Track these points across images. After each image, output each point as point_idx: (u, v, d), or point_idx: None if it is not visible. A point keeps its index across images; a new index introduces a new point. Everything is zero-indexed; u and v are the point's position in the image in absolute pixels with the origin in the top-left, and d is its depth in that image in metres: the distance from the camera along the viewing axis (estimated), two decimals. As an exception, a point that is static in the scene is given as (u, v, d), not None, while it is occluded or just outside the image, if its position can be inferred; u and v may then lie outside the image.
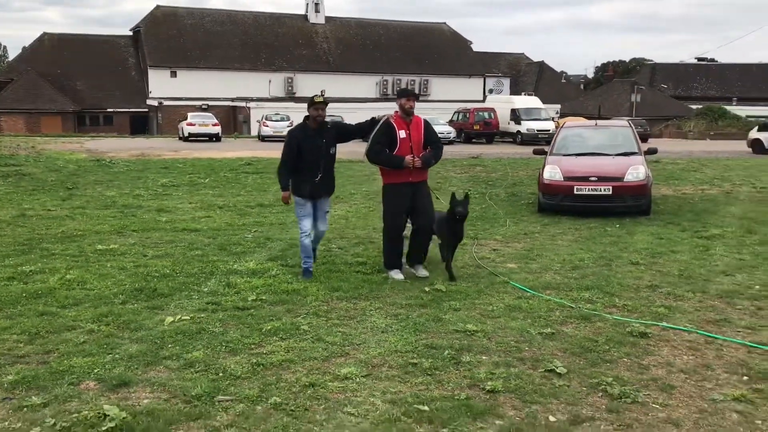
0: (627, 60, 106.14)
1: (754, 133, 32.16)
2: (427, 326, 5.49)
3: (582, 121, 42.97)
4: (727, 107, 54.35)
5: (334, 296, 6.34)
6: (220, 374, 4.45)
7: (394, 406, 4.02)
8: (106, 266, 7.39)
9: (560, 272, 7.42)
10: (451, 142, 35.52)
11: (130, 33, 56.91)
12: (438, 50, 61.35)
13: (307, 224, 6.92)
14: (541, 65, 69.38)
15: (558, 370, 4.54)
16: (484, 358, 4.81)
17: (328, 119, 7.23)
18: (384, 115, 7.12)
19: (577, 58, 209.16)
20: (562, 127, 13.54)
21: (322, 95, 7.12)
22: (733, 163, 22.75)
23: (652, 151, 12.48)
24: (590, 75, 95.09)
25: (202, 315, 5.71)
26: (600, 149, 11.87)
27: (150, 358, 4.72)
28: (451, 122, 40.23)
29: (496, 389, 4.24)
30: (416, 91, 50.30)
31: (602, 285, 6.78)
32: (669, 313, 5.90)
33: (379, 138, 6.91)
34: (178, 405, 3.99)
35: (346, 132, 7.45)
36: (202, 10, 58.68)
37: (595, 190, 10.89)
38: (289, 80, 55.19)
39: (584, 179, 10.99)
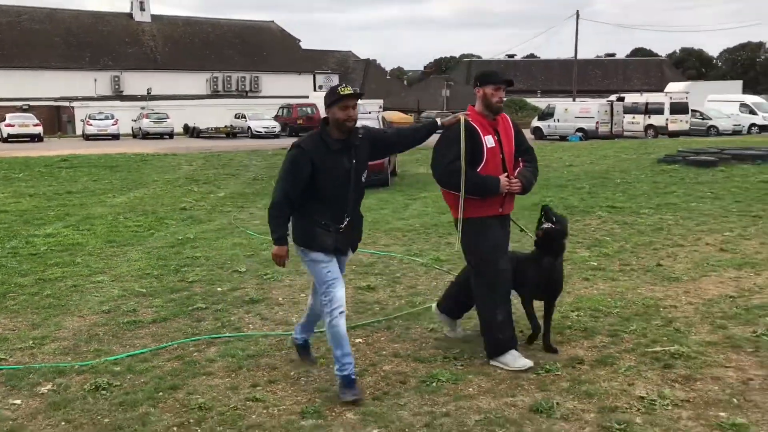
0: (457, 56, 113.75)
1: (535, 122, 37.58)
2: (166, 254, 8.09)
3: (397, 114, 46.84)
4: (530, 99, 61.00)
5: (108, 245, 8.76)
6: (12, 285, 6.79)
7: (125, 291, 6.57)
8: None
9: (287, 224, 10.29)
10: (276, 136, 38.29)
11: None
12: (267, 48, 63.48)
13: (341, 291, 4.10)
14: (368, 62, 73.42)
15: (240, 269, 7.28)
16: (197, 269, 7.45)
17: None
18: (455, 114, 4.66)
19: (414, 54, 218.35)
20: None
21: (348, 87, 4.03)
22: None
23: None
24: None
25: (3, 259, 7.94)
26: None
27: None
28: (276, 117, 42.73)
29: (195, 279, 6.90)
30: (247, 88, 51.55)
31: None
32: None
33: (456, 150, 4.38)
34: (-20, 298, 6.33)
35: (387, 144, 4.60)
36: (18, 8, 56.92)
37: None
38: (116, 79, 55.14)
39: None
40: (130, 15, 59.62)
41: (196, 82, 57.74)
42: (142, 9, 59.64)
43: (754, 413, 3.66)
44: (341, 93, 3.95)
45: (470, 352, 4.72)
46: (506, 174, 4.45)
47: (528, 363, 4.36)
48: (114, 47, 56.20)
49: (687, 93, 37.55)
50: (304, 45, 69.01)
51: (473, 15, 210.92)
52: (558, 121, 35.58)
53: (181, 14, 64.97)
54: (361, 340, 5.10)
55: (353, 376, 4.03)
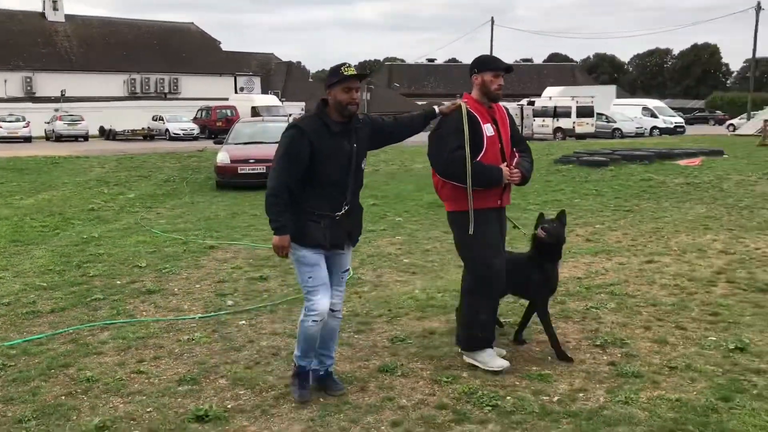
0: (381, 59, 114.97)
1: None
2: (70, 252, 8.41)
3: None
4: (449, 103, 62.46)
5: (12, 245, 8.99)
6: None
7: (26, 286, 6.89)
8: None
9: (193, 222, 10.69)
10: (195, 138, 38.13)
11: None
12: (187, 49, 62.73)
13: (323, 301, 3.91)
14: (290, 65, 73.58)
15: (140, 264, 7.69)
16: (99, 265, 7.81)
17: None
18: (455, 101, 4.38)
19: (341, 57, 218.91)
20: (236, 122, 16.97)
21: (352, 66, 3.82)
22: (413, 149, 27.93)
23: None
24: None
25: None
26: (262, 138, 15.43)
27: None
28: (195, 119, 42.47)
29: (96, 274, 7.27)
30: (165, 90, 50.45)
31: (212, 226, 10.14)
32: (244, 235, 9.37)
33: (460, 137, 4.18)
34: None
35: (386, 132, 4.25)
36: None
37: (254, 169, 14.38)
38: (28, 80, 53.46)
39: (246, 161, 14.44)
40: (42, 14, 57.88)
41: (112, 83, 56.55)
42: (55, 9, 57.98)
43: (559, 367, 4.42)
44: (345, 73, 3.70)
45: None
46: (505, 164, 4.28)
47: (505, 363, 4.32)
48: (25, 47, 54.43)
49: (593, 97, 39.48)
50: (225, 46, 68.60)
51: (400, 18, 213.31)
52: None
53: (96, 14, 63.53)
54: (244, 321, 5.64)
55: (308, 372, 4.05)
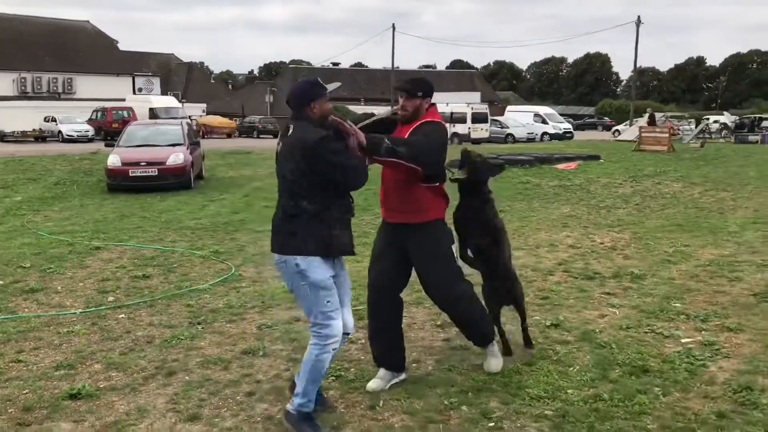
0: (287, 61, 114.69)
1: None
2: None
3: (218, 119, 46.91)
4: (353, 107, 63.25)
5: None
6: None
7: None
8: None
9: (81, 224, 10.83)
10: (90, 140, 37.14)
11: None
12: (82, 48, 60.69)
13: (340, 324, 3.80)
14: (190, 66, 72.50)
15: (24, 265, 7.87)
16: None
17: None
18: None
19: (246, 58, 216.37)
20: (129, 124, 17.02)
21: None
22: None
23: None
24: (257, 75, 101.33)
25: None
26: (154, 141, 15.58)
27: None
28: (90, 120, 41.34)
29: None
30: (59, 90, 48.42)
31: (100, 228, 10.34)
32: (132, 236, 9.64)
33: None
34: None
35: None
36: None
37: (145, 172, 14.52)
38: None
39: (137, 164, 14.56)
40: None
41: (1, 82, 54.04)
42: (-65, 1, 54.85)
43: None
44: (326, 86, 3.77)
45: (211, 318, 5.83)
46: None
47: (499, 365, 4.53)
48: None
49: (486, 105, 41.19)
50: (124, 46, 66.76)
51: (306, 20, 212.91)
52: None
53: (-18, 9, 60.52)
54: (123, 315, 6.02)
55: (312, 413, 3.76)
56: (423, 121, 4.20)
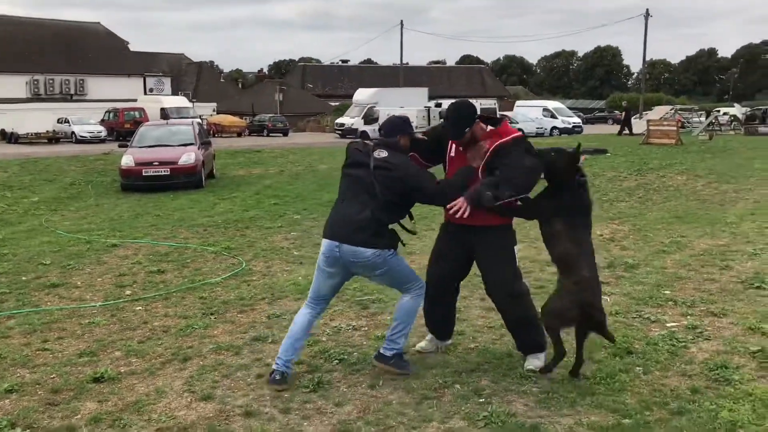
0: (297, 59, 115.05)
1: (361, 126, 39.86)
2: None
3: (228, 118, 47.28)
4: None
5: None
6: None
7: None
8: None
9: (97, 223, 11.22)
10: (103, 141, 37.68)
11: None
12: (93, 50, 61.31)
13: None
14: (201, 65, 73.01)
15: (45, 262, 8.25)
16: (4, 263, 8.31)
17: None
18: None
19: (256, 56, 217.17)
20: (141, 125, 17.42)
21: None
22: (321, 150, 28.83)
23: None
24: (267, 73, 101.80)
25: None
26: (165, 141, 15.97)
27: None
28: (102, 121, 41.89)
29: (2, 272, 7.80)
30: (71, 92, 48.50)
31: (116, 226, 10.71)
32: (146, 234, 10.01)
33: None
34: None
35: None
36: None
37: (158, 171, 14.91)
38: None
39: (149, 164, 14.96)
40: (-65, 12, 55.42)
41: (14, 84, 54.75)
42: (-51, 6, 55.61)
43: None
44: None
45: (223, 309, 6.17)
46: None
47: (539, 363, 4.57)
48: None
49: (494, 100, 41.33)
50: (134, 46, 67.35)
51: (317, 17, 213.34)
52: (382, 125, 37.92)
53: (-4, 12, 61.31)
54: (140, 307, 6.37)
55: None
56: (502, 143, 4.28)
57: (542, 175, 4.36)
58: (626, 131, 35.52)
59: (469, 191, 4.19)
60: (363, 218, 4.23)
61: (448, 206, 4.26)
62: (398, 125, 4.52)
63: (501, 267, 4.52)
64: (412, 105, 39.53)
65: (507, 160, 4.21)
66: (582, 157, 4.48)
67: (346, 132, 41.76)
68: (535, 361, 4.53)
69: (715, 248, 8.14)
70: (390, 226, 4.35)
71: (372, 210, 4.23)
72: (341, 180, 4.52)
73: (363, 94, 46.13)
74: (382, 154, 4.31)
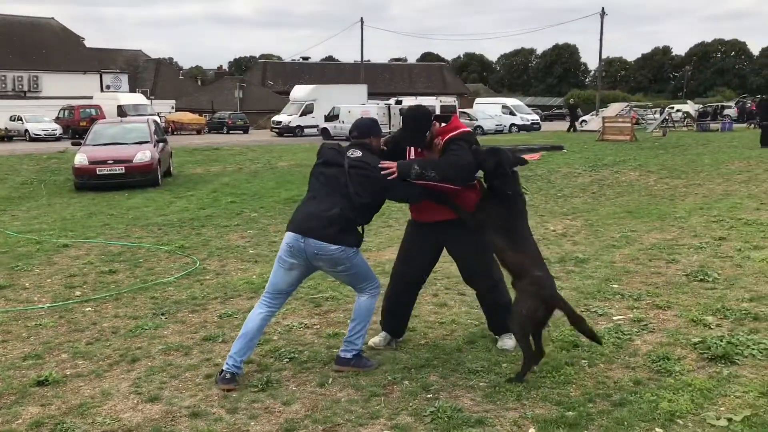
0: (257, 56, 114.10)
1: (322, 123, 39.76)
2: None
3: (188, 115, 46.71)
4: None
5: None
6: None
7: None
8: None
9: (49, 223, 11.00)
10: (57, 139, 36.94)
11: None
12: (47, 46, 59.94)
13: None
14: (159, 62, 71.93)
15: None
16: (-51, 265, 8.10)
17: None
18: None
19: (215, 53, 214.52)
20: (95, 123, 17.12)
21: None
22: (281, 147, 28.65)
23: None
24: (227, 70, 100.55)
25: None
26: (120, 139, 15.72)
27: None
28: (57, 119, 41.02)
29: None
30: (25, 89, 47.65)
31: (68, 226, 10.51)
32: (99, 234, 9.85)
33: None
34: None
35: None
36: None
37: (112, 170, 14.67)
38: None
39: (104, 162, 14.71)
40: None
41: (-36, 81, 53.29)
42: None
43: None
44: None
45: (175, 309, 6.11)
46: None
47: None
48: None
49: (454, 98, 41.54)
50: (90, 42, 66.02)
51: (275, 14, 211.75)
52: (343, 122, 37.83)
53: (-57, 7, 59.43)
54: (90, 308, 6.27)
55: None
56: (449, 137, 4.51)
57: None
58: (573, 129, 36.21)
59: (403, 161, 4.47)
60: (332, 215, 4.31)
61: (380, 164, 4.40)
62: (370, 126, 4.68)
63: (477, 259, 4.72)
64: (350, 102, 39.54)
65: (449, 151, 4.45)
66: (538, 155, 4.56)
67: (283, 130, 41.64)
68: (508, 341, 4.78)
69: (663, 242, 8.33)
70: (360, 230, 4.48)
71: (341, 208, 4.32)
72: (312, 178, 4.56)
73: (300, 92, 45.49)
74: (356, 153, 4.44)
